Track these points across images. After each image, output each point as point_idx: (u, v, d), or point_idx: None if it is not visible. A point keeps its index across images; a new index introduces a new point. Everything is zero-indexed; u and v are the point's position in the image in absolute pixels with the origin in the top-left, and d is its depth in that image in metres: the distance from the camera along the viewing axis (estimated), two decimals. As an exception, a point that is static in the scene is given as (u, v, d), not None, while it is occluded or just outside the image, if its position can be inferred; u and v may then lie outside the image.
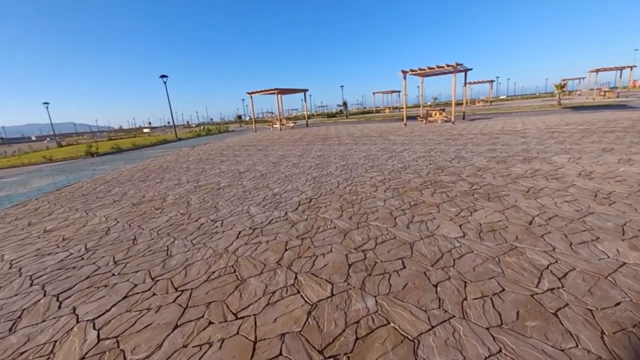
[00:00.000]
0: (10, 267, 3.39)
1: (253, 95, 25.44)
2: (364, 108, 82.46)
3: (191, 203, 5.28)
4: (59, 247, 3.86)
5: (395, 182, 5.44)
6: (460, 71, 16.93)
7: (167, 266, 3.08)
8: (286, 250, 3.21)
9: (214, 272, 2.88)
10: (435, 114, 17.89)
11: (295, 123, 30.62)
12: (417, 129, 15.22)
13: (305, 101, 28.48)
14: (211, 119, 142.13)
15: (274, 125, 27.34)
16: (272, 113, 74.13)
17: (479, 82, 36.99)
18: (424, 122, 17.99)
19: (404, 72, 16.79)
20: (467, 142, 9.35)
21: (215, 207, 4.92)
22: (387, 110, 45.72)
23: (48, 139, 60.14)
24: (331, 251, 3.10)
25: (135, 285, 2.78)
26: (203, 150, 14.38)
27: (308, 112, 31.49)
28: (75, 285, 2.88)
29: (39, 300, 2.68)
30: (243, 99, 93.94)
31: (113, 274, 3.02)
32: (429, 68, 15.91)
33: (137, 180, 7.92)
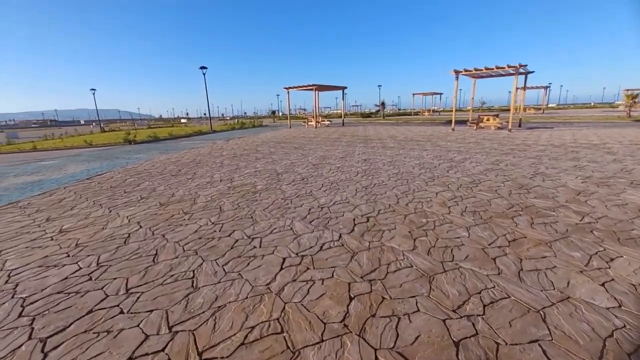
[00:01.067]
0: (6, 282, 2.76)
1: (290, 90, 24.83)
2: (399, 109, 79.97)
3: (224, 209, 4.53)
4: (69, 256, 3.21)
5: (471, 203, 4.37)
6: (522, 74, 15.19)
7: (191, 307, 2.29)
8: (351, 299, 2.30)
9: (252, 329, 2.04)
10: (489, 120, 16.21)
11: (331, 121, 29.66)
12: (468, 135, 13.76)
13: (343, 99, 27.48)
14: (245, 113, 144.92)
15: (309, 123, 26.60)
16: (304, 110, 73.60)
17: (533, 88, 34.02)
18: (475, 127, 16.39)
19: (457, 72, 15.31)
20: (540, 155, 7.97)
21: (251, 218, 4.12)
22: (427, 113, 43.59)
23: (94, 124, 63.85)
24: (418, 310, 2.15)
25: (147, 338, 1.99)
26: (237, 144, 13.85)
27: (342, 111, 30.50)
28: (72, 324, 2.15)
29: (20, 347, 1.96)
30: (278, 95, 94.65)
31: (121, 311, 2.27)
32: (487, 68, 14.33)
33: (169, 174, 7.37)
